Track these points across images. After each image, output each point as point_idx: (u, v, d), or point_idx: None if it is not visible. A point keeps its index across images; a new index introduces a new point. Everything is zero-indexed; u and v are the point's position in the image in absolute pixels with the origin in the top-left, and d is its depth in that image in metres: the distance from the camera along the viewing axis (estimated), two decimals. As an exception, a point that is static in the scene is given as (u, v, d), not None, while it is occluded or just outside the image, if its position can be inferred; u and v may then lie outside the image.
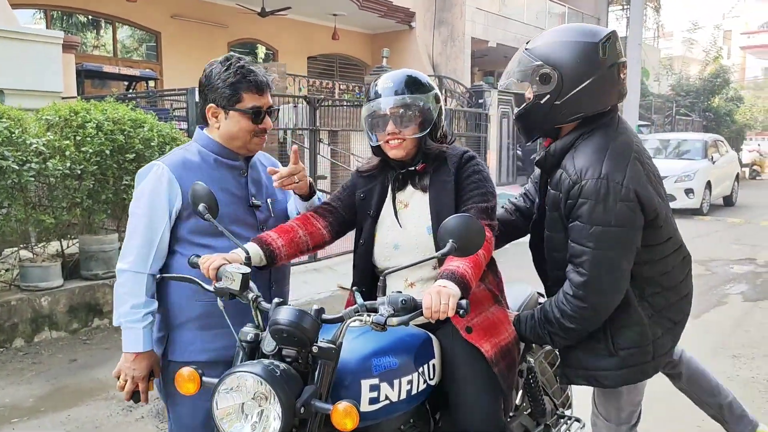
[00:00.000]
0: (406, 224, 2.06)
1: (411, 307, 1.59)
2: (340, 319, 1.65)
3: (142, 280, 1.94)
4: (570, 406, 2.95)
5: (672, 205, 2.32)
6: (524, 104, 2.04)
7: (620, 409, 2.25)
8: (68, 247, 5.55)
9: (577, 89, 1.91)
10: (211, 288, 1.77)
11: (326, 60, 16.67)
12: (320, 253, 7.22)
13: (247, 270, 1.74)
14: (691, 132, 17.72)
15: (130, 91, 10.25)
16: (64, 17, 12.66)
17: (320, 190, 7.60)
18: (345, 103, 10.02)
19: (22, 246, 5.33)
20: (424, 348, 1.93)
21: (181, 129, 6.21)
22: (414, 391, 1.85)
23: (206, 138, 2.06)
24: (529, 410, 2.61)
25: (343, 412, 1.49)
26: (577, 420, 2.84)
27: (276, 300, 1.68)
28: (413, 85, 2.02)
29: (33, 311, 4.89)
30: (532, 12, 19.04)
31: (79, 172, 4.99)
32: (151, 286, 1.97)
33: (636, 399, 2.26)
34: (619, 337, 2.03)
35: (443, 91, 13.55)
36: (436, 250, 1.77)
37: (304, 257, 7.10)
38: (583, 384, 2.16)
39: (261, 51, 15.68)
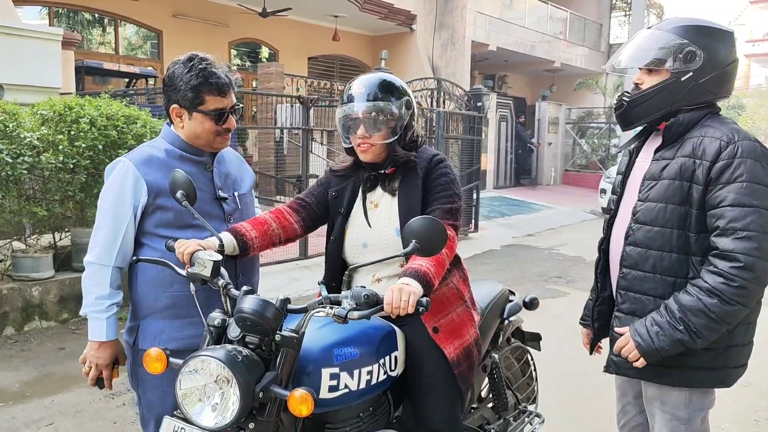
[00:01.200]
0: (375, 224, 2.14)
1: (373, 302, 1.67)
2: (305, 310, 1.72)
3: (106, 273, 2.01)
4: (535, 401, 3.05)
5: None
6: (656, 84, 1.96)
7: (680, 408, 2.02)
8: (61, 239, 5.67)
9: (715, 73, 1.92)
10: (183, 273, 1.84)
11: (327, 61, 16.77)
12: (310, 251, 7.34)
13: (219, 257, 1.82)
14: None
15: (129, 88, 10.38)
16: (70, 14, 12.80)
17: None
18: (337, 104, 10.12)
19: (15, 237, 5.45)
20: (387, 341, 2.01)
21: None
22: (373, 381, 1.92)
23: (173, 135, 2.12)
24: (492, 404, 2.71)
25: (299, 399, 1.57)
26: (538, 416, 2.92)
27: (244, 288, 1.75)
28: (386, 90, 2.07)
29: (24, 300, 5.01)
30: (534, 17, 19.11)
31: (72, 166, 5.11)
32: (116, 278, 2.03)
33: (704, 423, 2.06)
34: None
35: (442, 94, 13.66)
36: None
37: (295, 254, 7.24)
38: (632, 377, 2.05)
39: (265, 51, 15.79)
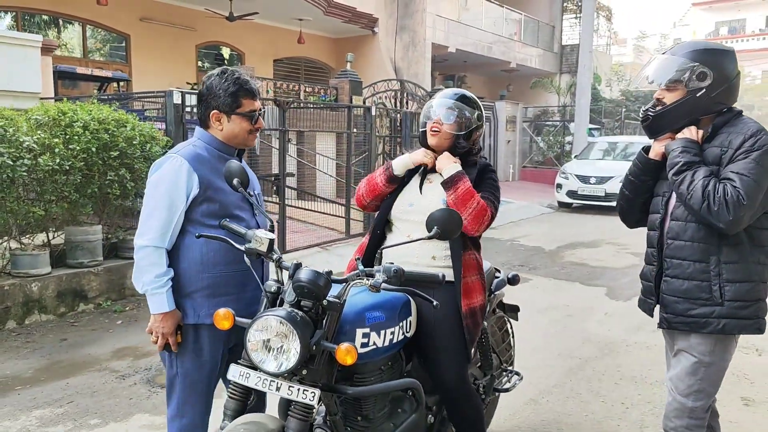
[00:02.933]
0: (425, 193, 2.64)
1: (400, 275, 2.06)
2: (345, 281, 2.10)
3: (161, 254, 2.26)
4: (512, 363, 3.52)
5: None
6: (675, 100, 2.35)
7: (700, 379, 2.36)
8: (53, 238, 5.94)
9: (724, 87, 2.32)
10: (242, 248, 2.15)
11: (292, 63, 17.08)
12: (288, 246, 7.72)
13: (273, 236, 2.18)
14: (638, 135, 18.65)
15: (101, 92, 10.53)
16: (32, 18, 12.76)
17: (289, 187, 8.05)
18: (311, 106, 10.51)
19: (9, 237, 5.68)
20: (405, 307, 2.42)
21: (160, 129, 6.62)
22: (395, 340, 2.32)
23: (210, 137, 2.40)
24: (479, 363, 3.15)
25: (345, 351, 1.93)
26: (517, 373, 3.40)
27: (294, 262, 2.12)
28: (464, 99, 2.66)
29: (24, 295, 5.27)
30: (490, 19, 19.80)
31: (67, 167, 5.39)
32: (166, 259, 2.28)
33: (720, 373, 2.40)
34: (730, 288, 2.27)
35: (405, 95, 14.15)
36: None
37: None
38: (684, 329, 2.37)
39: (225, 53, 15.99)
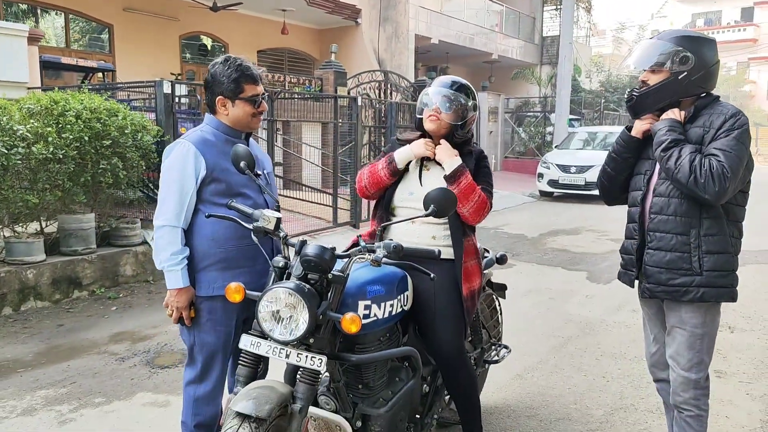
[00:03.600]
0: (425, 182, 2.77)
1: (399, 251, 2.21)
2: (348, 256, 2.23)
3: (177, 232, 2.42)
4: (500, 338, 3.71)
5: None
6: (659, 81, 2.50)
7: (698, 351, 2.52)
8: (46, 226, 6.01)
9: (704, 71, 2.47)
10: (250, 226, 2.27)
11: (276, 54, 17.09)
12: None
13: (280, 215, 2.31)
14: (617, 126, 18.96)
15: (87, 82, 10.53)
16: (10, 8, 12.67)
17: (276, 176, 8.18)
18: (296, 96, 10.61)
19: (3, 225, 5.75)
20: (403, 282, 2.57)
21: (151, 119, 6.69)
22: (393, 313, 2.48)
23: (217, 122, 2.56)
24: (470, 338, 3.33)
25: (349, 320, 2.07)
26: (505, 347, 3.59)
27: (300, 239, 2.26)
28: (461, 88, 2.75)
29: (20, 283, 5.36)
30: (472, 10, 19.96)
31: (60, 156, 5.47)
32: (182, 237, 2.44)
33: (712, 342, 2.57)
34: (709, 259, 2.44)
35: (389, 86, 14.28)
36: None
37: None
38: (665, 298, 2.54)
39: (208, 43, 15.96)
